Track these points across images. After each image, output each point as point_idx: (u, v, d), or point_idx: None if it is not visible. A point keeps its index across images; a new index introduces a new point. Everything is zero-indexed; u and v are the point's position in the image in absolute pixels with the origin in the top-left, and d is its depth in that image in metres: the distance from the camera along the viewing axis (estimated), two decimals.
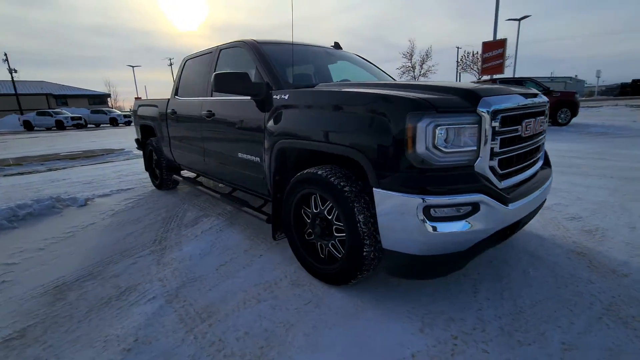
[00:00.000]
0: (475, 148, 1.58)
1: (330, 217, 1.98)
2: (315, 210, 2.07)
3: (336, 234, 1.96)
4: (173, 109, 3.69)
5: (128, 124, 27.60)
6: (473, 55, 27.14)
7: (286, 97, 2.19)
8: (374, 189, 1.65)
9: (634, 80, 42.48)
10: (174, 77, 3.95)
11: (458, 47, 36.30)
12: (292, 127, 2.12)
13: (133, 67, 46.20)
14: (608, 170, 4.54)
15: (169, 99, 3.90)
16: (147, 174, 5.56)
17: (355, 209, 1.75)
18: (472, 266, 2.11)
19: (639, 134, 8.04)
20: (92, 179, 5.46)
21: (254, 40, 2.76)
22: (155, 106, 4.16)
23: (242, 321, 1.76)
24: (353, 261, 1.83)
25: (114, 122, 28.41)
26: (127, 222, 3.36)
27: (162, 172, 4.32)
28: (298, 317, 1.77)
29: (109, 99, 51.95)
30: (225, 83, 2.37)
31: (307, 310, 1.82)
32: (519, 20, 20.48)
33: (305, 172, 2.04)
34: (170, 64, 47.73)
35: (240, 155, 2.66)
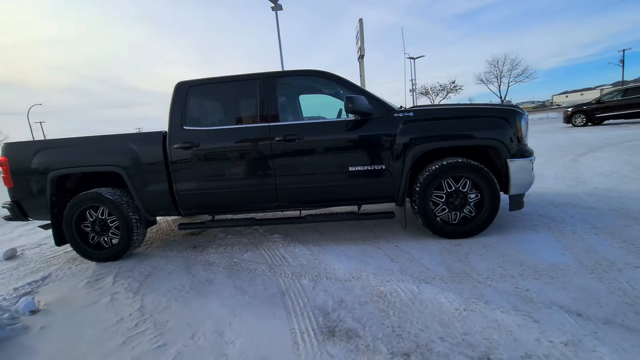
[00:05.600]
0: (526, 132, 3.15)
1: (464, 190, 2.94)
2: (449, 190, 2.95)
3: (470, 200, 2.96)
4: (189, 142, 3.05)
5: None
6: None
7: (411, 115, 2.94)
8: (508, 160, 2.86)
9: None
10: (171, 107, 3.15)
11: None
12: (430, 135, 2.91)
13: None
14: None
15: (164, 132, 3.11)
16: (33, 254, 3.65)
17: (493, 178, 2.88)
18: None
19: None
20: None
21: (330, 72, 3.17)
22: (129, 144, 3.08)
23: None
24: (492, 213, 2.92)
25: None
26: (200, 295, 2.52)
27: (132, 230, 3.17)
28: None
29: None
30: (358, 105, 2.80)
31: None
32: None
33: (445, 163, 2.88)
34: None
35: (352, 168, 2.97)
